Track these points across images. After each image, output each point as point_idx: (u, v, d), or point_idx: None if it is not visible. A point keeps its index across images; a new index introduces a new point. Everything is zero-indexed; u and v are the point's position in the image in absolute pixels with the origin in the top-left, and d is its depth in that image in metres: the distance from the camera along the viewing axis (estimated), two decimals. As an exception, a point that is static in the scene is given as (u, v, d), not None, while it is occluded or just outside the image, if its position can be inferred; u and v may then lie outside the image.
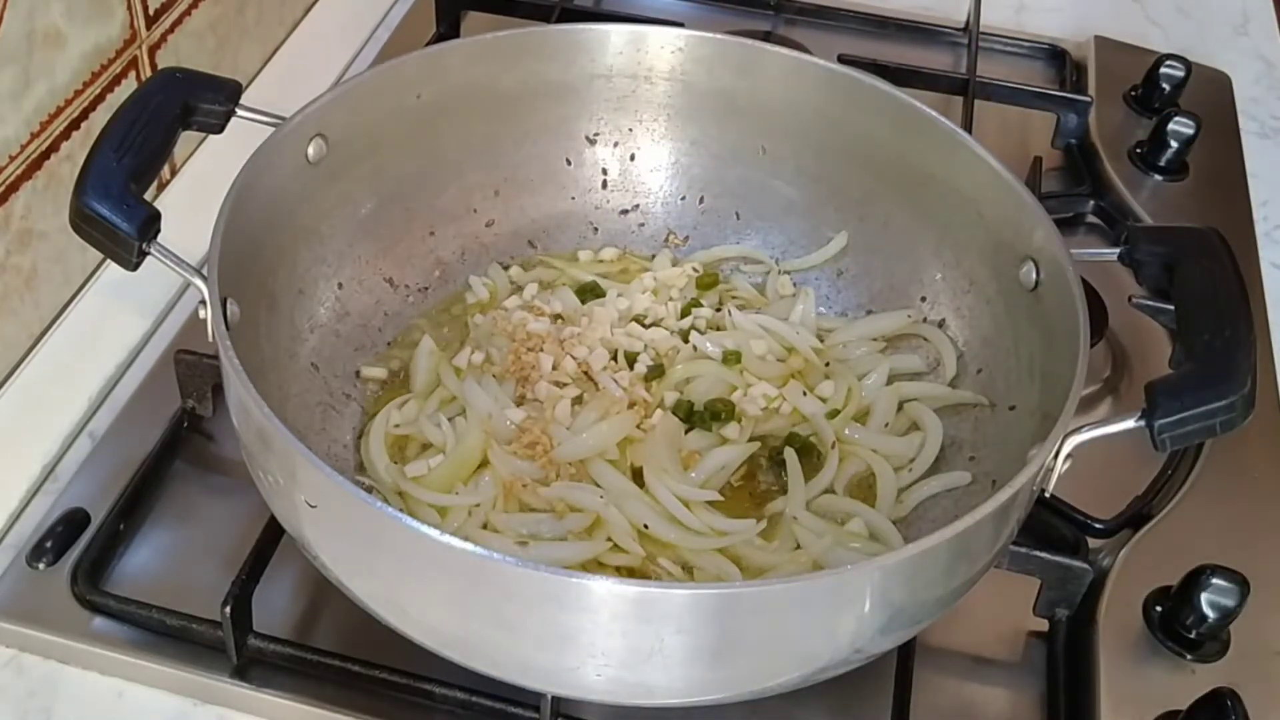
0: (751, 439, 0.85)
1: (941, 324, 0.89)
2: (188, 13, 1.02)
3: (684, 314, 0.92)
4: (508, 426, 0.82)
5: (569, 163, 0.96)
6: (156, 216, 0.71)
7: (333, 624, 0.77)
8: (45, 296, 0.92)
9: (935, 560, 0.64)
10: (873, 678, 0.74)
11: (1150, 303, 0.93)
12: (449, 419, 0.82)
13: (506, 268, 0.95)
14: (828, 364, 0.90)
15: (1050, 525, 0.84)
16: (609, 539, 0.77)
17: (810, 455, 0.84)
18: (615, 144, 0.97)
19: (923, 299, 0.90)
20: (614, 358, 0.87)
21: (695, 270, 0.95)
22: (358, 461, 0.82)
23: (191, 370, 0.85)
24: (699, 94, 0.94)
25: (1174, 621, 0.78)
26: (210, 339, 0.68)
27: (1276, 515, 0.87)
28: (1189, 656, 0.78)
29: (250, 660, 0.75)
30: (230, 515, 0.82)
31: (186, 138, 0.78)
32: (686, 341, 0.90)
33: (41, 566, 0.79)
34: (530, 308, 0.90)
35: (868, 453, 0.84)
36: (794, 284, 0.95)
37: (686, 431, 0.84)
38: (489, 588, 0.62)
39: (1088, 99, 1.17)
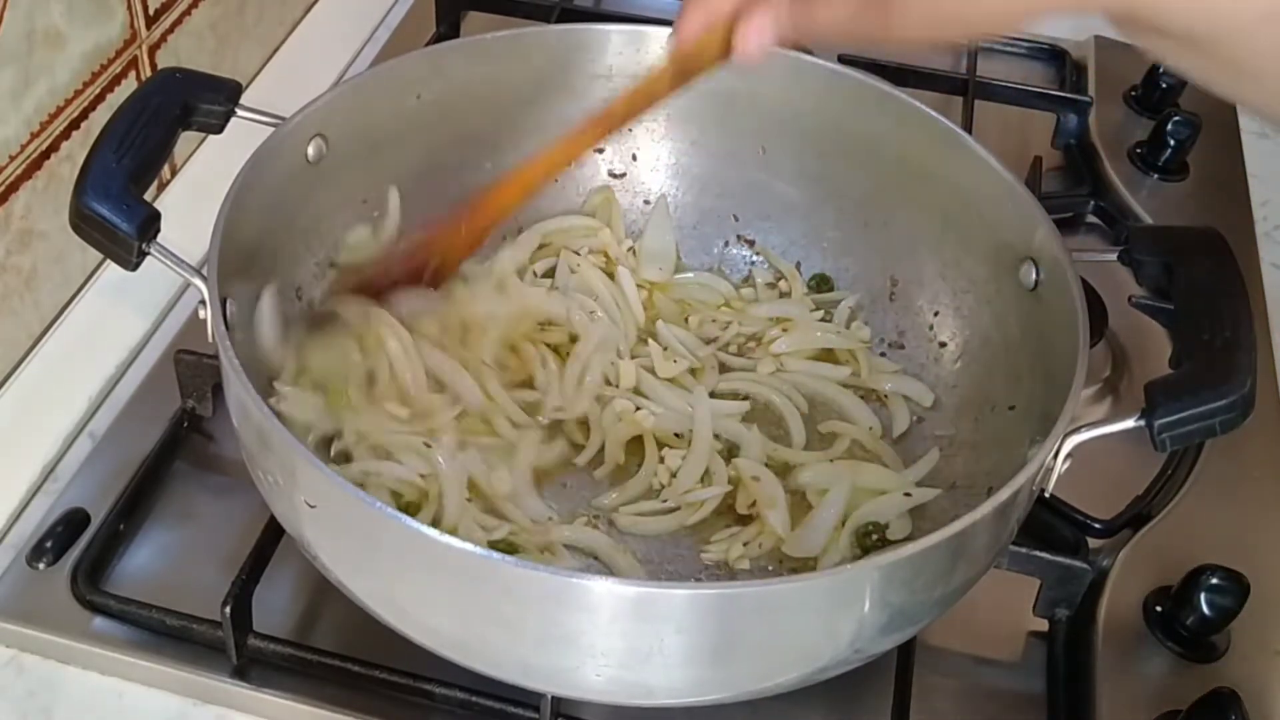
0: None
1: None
2: (188, 13, 1.02)
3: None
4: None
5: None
6: (156, 216, 0.71)
7: (333, 624, 0.77)
8: (45, 296, 0.92)
9: (935, 560, 0.64)
10: (873, 678, 0.74)
11: (1150, 303, 0.93)
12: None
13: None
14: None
15: (1050, 525, 0.84)
16: None
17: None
18: (615, 144, 0.96)
19: (923, 299, 0.90)
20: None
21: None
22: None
23: (191, 370, 0.85)
24: (699, 94, 0.93)
25: (1174, 621, 0.78)
26: (210, 339, 0.68)
27: (1276, 515, 0.87)
28: (1189, 656, 0.78)
29: (250, 660, 0.75)
30: (230, 515, 0.82)
31: (186, 138, 0.78)
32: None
33: (41, 566, 0.79)
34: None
35: None
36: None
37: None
38: (489, 588, 0.61)
39: (1088, 99, 1.16)
